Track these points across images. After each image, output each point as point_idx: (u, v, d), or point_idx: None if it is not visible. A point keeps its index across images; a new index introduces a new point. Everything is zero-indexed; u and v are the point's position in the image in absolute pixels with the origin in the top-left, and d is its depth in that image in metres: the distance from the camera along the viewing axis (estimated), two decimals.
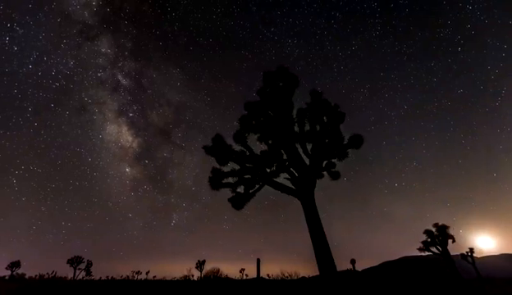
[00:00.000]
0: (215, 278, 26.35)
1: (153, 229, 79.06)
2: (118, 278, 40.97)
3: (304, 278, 26.54)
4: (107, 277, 41.08)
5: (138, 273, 47.62)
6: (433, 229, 26.35)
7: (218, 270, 27.33)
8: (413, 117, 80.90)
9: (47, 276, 34.97)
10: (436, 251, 25.99)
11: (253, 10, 76.03)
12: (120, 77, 71.12)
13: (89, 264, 39.73)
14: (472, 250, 32.31)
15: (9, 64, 60.95)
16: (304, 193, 10.51)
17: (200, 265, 36.32)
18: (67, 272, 36.58)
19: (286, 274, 25.33)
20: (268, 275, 31.02)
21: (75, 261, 38.16)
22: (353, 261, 35.49)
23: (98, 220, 78.80)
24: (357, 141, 11.24)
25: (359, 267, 35.03)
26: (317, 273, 9.97)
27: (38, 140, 67.12)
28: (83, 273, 38.87)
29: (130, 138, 73.71)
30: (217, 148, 11.37)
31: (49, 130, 68.67)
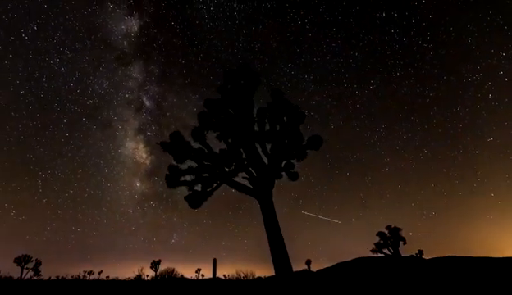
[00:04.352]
0: (169, 278, 25.78)
1: (153, 245, 79.59)
2: (69, 278, 39.06)
3: (259, 278, 26.65)
4: (57, 277, 39.09)
5: (90, 273, 45.82)
6: (386, 232, 27.51)
7: (173, 270, 26.80)
8: (433, 163, 78.45)
9: None
10: (389, 252, 27.18)
11: (273, 46, 76.85)
12: (144, 99, 76.13)
13: (38, 263, 37.50)
14: (421, 251, 34.15)
15: (55, 81, 73.28)
16: (262, 193, 10.47)
17: (155, 265, 35.41)
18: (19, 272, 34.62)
19: (242, 275, 25.35)
20: (224, 275, 30.89)
21: (22, 260, 35.86)
22: (308, 262, 36.20)
23: (105, 230, 79.87)
24: (316, 142, 11.38)
25: (314, 268, 35.77)
26: (273, 273, 10.01)
27: (66, 149, 76.32)
28: (31, 272, 36.66)
29: (144, 155, 76.86)
30: (174, 145, 11.06)
31: (77, 141, 77.62)
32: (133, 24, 76.96)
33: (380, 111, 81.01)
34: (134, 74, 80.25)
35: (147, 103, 79.33)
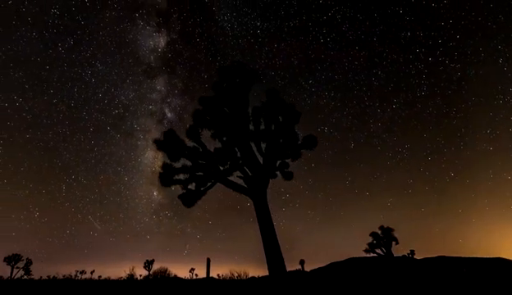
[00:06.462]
0: (162, 277, 25.63)
1: (166, 254, 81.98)
2: (60, 277, 38.62)
3: (253, 278, 26.63)
4: (49, 276, 38.66)
5: (82, 272, 45.43)
6: (379, 232, 27.59)
7: (166, 270, 26.65)
8: (461, 187, 73.62)
9: None
10: (381, 252, 27.28)
11: (295, 63, 77.10)
12: (166, 111, 79.40)
13: (29, 262, 37.04)
14: (413, 252, 34.37)
15: (85, 91, 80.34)
16: (257, 193, 10.42)
17: (148, 264, 35.20)
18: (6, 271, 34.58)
19: (236, 275, 25.30)
20: (218, 275, 30.85)
21: (12, 259, 35.38)
22: (302, 262, 36.27)
23: (120, 236, 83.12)
24: (311, 142, 11.34)
25: (308, 268, 35.98)
26: (267, 273, 9.98)
27: (90, 155, 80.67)
28: (21, 272, 36.20)
29: None
30: (168, 143, 10.96)
31: (101, 148, 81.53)
32: (160, 41, 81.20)
33: (403, 130, 77.45)
34: (158, 87, 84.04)
35: (168, 115, 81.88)
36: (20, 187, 74.99)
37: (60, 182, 79.59)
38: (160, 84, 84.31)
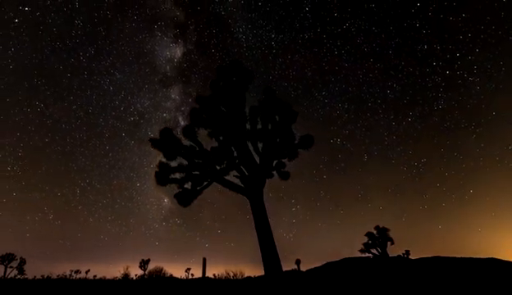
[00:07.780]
0: (158, 277, 25.54)
1: (174, 262, 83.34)
2: (54, 277, 38.28)
3: (249, 277, 26.60)
4: (43, 276, 38.31)
5: (77, 272, 45.07)
6: (374, 232, 27.68)
7: (162, 269, 26.56)
8: (481, 205, 70.01)
9: None
10: (376, 252, 27.37)
11: (308, 75, 77.10)
12: (180, 119, 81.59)
13: (23, 262, 36.75)
14: (408, 252, 34.48)
15: (103, 99, 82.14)
16: (253, 192, 10.40)
17: (144, 264, 35.05)
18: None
19: (232, 274, 25.27)
20: (214, 275, 30.77)
21: (6, 259, 35.09)
22: (298, 262, 36.20)
23: (130, 242, 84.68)
24: (307, 141, 11.34)
25: (303, 267, 35.89)
26: (263, 273, 9.95)
27: (105, 161, 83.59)
28: (15, 271, 35.91)
29: None
30: (165, 142, 10.91)
31: (115, 154, 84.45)
32: (177, 51, 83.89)
33: (419, 144, 76.51)
34: (173, 96, 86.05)
35: (182, 123, 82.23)
36: (37, 189, 77.12)
37: (74, 185, 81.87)
38: (175, 93, 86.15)
